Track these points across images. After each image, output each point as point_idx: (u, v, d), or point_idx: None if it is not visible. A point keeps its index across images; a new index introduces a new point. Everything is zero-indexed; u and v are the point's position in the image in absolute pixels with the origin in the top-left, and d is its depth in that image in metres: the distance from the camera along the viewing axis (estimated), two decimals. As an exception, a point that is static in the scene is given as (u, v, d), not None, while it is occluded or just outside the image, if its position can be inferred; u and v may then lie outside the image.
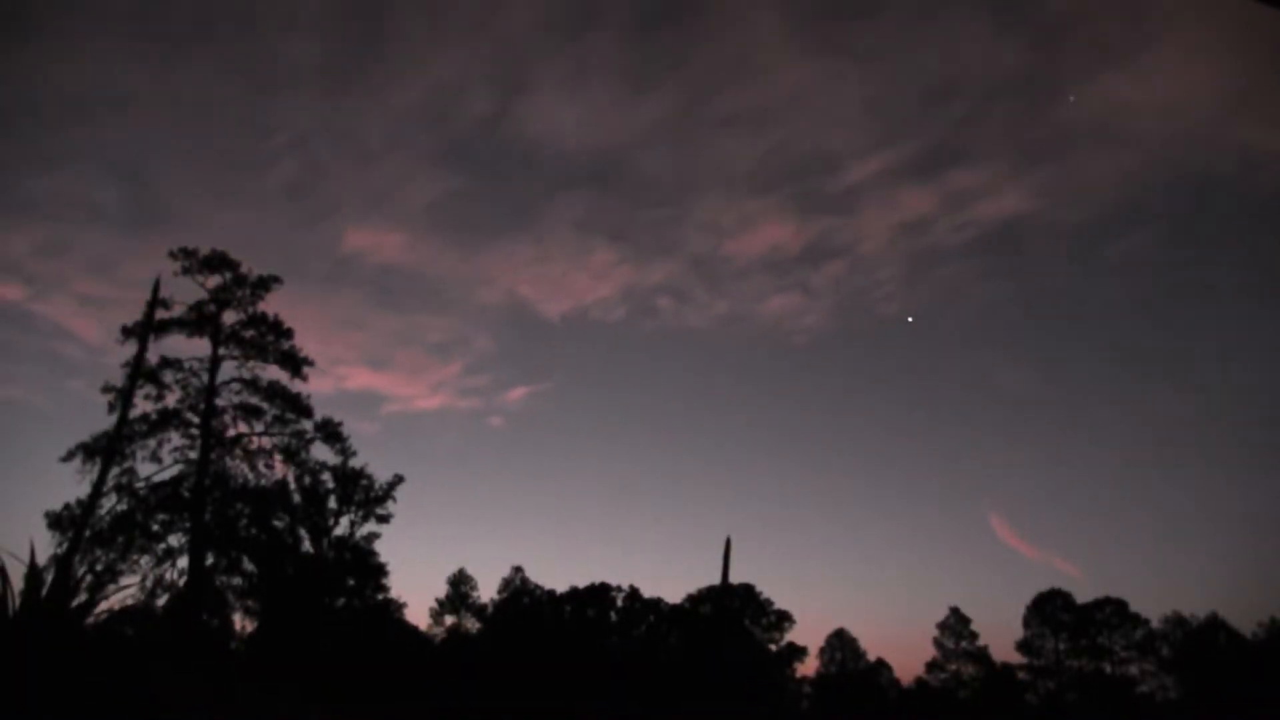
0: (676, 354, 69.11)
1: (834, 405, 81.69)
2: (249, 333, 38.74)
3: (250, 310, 38.90)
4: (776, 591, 79.39)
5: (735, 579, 64.75)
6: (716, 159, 69.01)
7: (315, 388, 61.87)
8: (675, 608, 67.52)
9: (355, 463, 41.94)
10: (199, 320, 37.93)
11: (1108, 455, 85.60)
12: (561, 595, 67.29)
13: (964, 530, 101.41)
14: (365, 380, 71.35)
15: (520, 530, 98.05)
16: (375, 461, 63.91)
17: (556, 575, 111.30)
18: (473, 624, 65.99)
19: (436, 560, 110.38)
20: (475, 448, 77.76)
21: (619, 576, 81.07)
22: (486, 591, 68.24)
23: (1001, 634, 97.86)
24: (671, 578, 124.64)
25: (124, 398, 35.53)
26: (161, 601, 35.31)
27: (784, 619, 68.82)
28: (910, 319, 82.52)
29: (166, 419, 36.94)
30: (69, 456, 35.47)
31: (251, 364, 38.70)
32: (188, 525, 36.49)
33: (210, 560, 37.74)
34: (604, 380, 74.66)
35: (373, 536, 43.43)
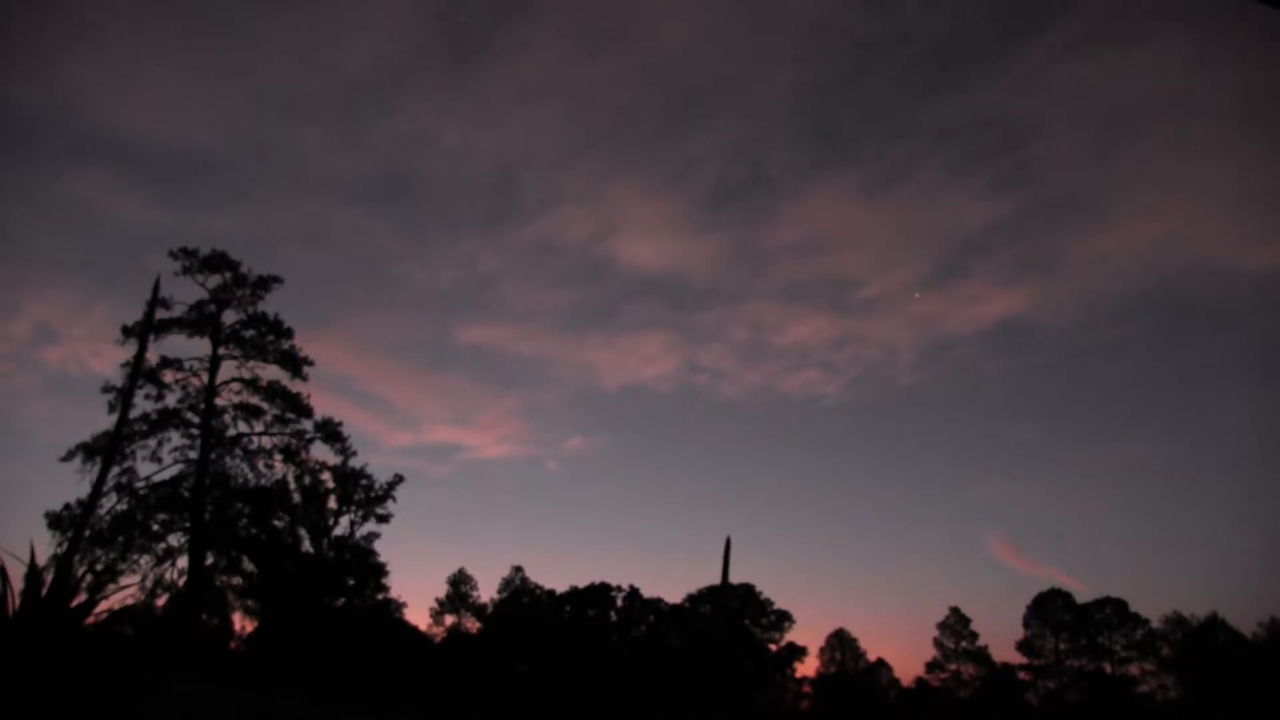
0: (711, 414, 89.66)
1: (844, 437, 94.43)
2: (249, 332, 38.74)
3: (250, 310, 38.92)
4: (776, 591, 79.85)
5: (735, 579, 64.65)
6: (766, 276, 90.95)
7: (397, 440, 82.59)
8: (675, 608, 67.49)
9: (354, 463, 41.96)
10: (199, 320, 37.92)
11: (1101, 479, 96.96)
12: (561, 595, 67.28)
13: (965, 530, 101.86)
14: (444, 435, 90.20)
15: (522, 531, 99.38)
16: (441, 493, 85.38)
17: (556, 575, 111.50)
18: (473, 624, 65.98)
19: (437, 561, 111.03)
20: (529, 484, 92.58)
21: (619, 576, 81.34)
22: (486, 591, 68.39)
23: (1001, 634, 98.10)
24: (671, 578, 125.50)
25: (124, 398, 35.50)
26: (161, 601, 35.32)
27: (784, 619, 68.79)
28: (917, 295, 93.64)
29: (166, 419, 36.93)
30: (69, 456, 35.51)
31: (251, 364, 38.73)
32: (188, 525, 36.46)
33: (210, 560, 37.71)
34: (647, 432, 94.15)
35: (373, 536, 43.42)
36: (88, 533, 33.62)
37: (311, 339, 75.45)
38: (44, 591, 7.61)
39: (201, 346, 38.15)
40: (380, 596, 46.09)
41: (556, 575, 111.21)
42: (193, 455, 37.19)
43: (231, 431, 38.46)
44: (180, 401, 37.33)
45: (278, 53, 79.46)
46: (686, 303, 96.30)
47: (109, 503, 35.51)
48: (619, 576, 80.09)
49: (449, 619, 66.03)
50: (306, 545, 42.01)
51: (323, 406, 68.99)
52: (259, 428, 38.80)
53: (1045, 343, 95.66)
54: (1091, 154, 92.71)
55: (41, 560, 7.64)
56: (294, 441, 39.46)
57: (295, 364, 39.03)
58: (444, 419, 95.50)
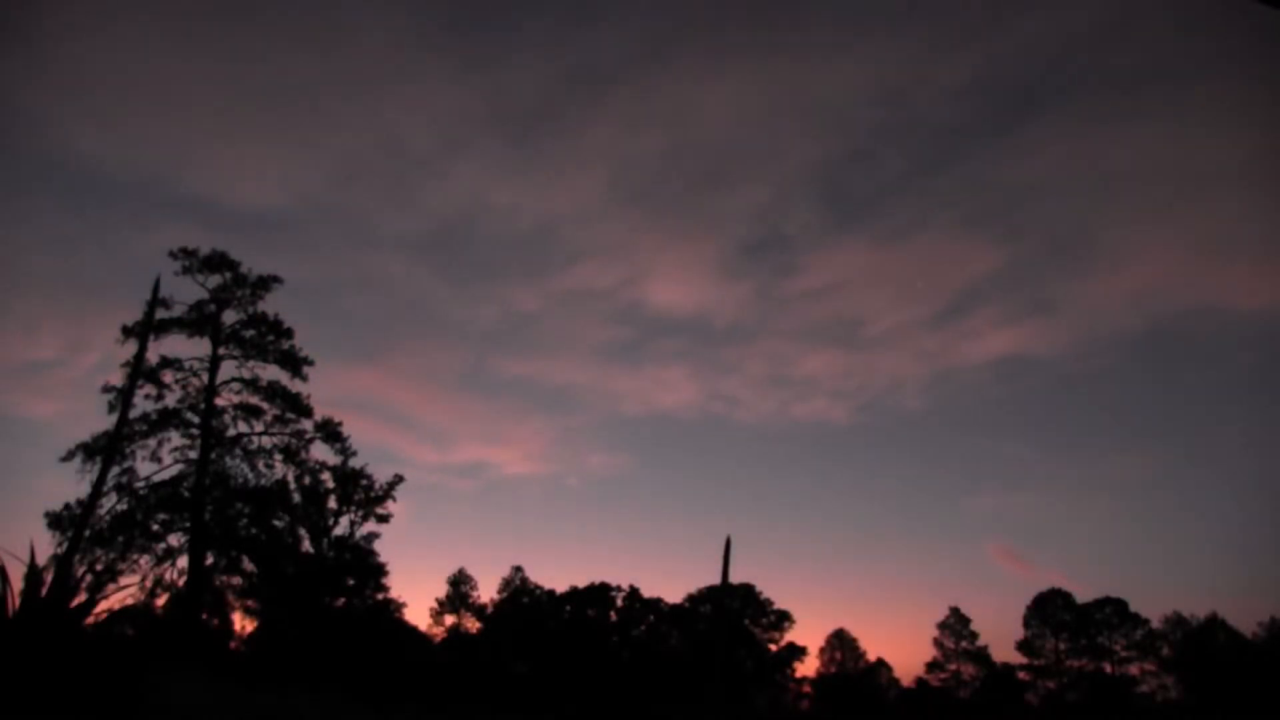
0: (726, 434, 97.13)
1: (849, 450, 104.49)
2: (249, 332, 38.72)
3: (250, 310, 38.88)
4: (776, 591, 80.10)
5: (735, 579, 64.69)
6: (783, 317, 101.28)
7: (429, 457, 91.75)
8: (675, 608, 67.50)
9: (354, 462, 41.95)
10: (199, 320, 37.89)
11: (1100, 482, 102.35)
12: (561, 595, 67.30)
13: (965, 531, 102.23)
14: (474, 453, 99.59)
15: (521, 530, 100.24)
16: (467, 507, 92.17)
17: (556, 575, 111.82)
18: (473, 624, 66.01)
19: (437, 561, 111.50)
20: (549, 496, 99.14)
21: (619, 576, 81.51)
22: (486, 591, 68.42)
23: (1001, 634, 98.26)
24: (671, 577, 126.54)
25: (124, 398, 35.48)
26: (161, 601, 35.31)
27: (784, 619, 68.80)
28: (920, 285, 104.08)
29: (166, 419, 36.91)
30: (69, 456, 35.49)
31: (251, 364, 38.69)
32: (188, 525, 36.45)
33: (210, 560, 37.70)
34: (666, 450, 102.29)
35: (372, 536, 43.42)
36: (88, 533, 33.61)
37: (360, 370, 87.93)
38: (44, 591, 7.60)
39: (201, 346, 38.17)
40: (380, 596, 46.11)
41: (557, 575, 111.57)
42: (193, 455, 37.18)
43: (231, 431, 38.47)
44: (180, 401, 37.34)
45: (345, 125, 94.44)
46: (709, 341, 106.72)
47: (109, 503, 35.52)
48: (619, 576, 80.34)
49: (449, 619, 66.09)
50: (306, 545, 42.01)
51: (363, 428, 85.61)
52: (259, 428, 38.81)
53: (1043, 371, 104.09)
54: (1084, 213, 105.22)
55: (41, 560, 7.64)
56: (294, 441, 39.47)
57: (295, 364, 39.01)
58: (475, 439, 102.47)
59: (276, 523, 39.96)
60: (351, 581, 43.76)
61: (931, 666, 68.94)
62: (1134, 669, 64.57)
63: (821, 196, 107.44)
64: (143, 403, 36.61)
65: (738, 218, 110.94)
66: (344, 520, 43.02)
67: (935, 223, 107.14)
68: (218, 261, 38.34)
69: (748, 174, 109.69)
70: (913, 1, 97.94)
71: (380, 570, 44.38)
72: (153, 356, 37.08)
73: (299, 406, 39.05)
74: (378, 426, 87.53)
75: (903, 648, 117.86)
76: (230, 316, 38.62)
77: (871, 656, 71.17)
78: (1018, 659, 67.25)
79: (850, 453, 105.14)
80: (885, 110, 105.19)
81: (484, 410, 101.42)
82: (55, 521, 34.62)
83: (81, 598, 8.00)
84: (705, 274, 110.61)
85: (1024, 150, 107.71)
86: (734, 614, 66.10)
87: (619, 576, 78.91)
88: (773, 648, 68.10)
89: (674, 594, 69.65)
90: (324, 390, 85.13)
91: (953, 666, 68.60)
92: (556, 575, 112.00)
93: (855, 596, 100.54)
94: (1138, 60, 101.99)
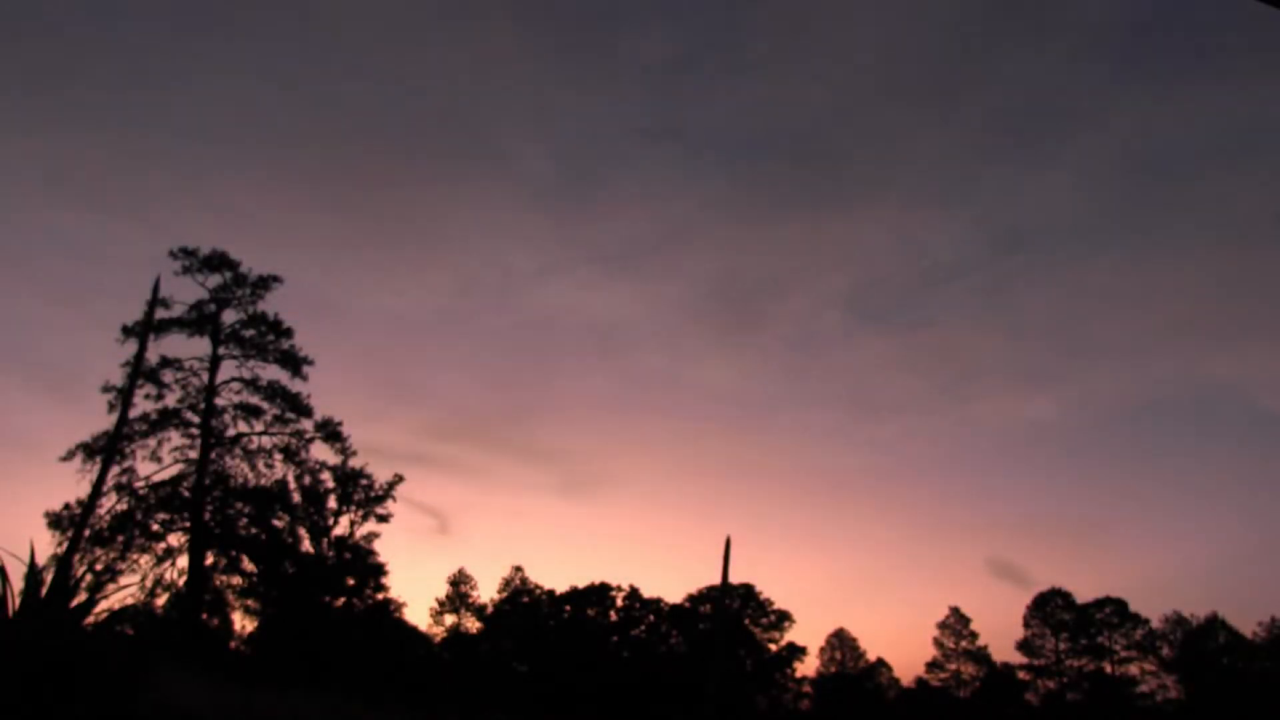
0: (747, 462, 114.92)
1: (857, 473, 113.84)
2: (249, 332, 38.72)
3: (250, 310, 38.89)
4: (776, 591, 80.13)
5: (735, 579, 64.72)
6: (804, 394, 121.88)
7: (487, 484, 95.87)
8: (675, 608, 67.49)
9: (356, 463, 41.92)
10: (199, 320, 37.90)
11: (1099, 489, 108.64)
12: (561, 595, 67.31)
13: (966, 533, 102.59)
14: (527, 482, 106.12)
15: (521, 530, 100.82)
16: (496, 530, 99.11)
17: (556, 575, 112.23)
18: (473, 624, 66.02)
19: (437, 560, 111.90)
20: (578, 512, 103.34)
21: (619, 576, 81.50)
22: (486, 591, 68.43)
23: (1001, 634, 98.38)
24: (671, 577, 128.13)
25: (124, 397, 35.49)
26: (161, 601, 35.30)
27: (784, 619, 68.78)
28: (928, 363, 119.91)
29: (166, 418, 36.91)
30: (69, 456, 35.46)
31: (251, 363, 38.69)
32: (188, 525, 36.45)
33: (210, 560, 37.70)
34: (690, 474, 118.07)
35: (372, 536, 43.38)
36: (88, 533, 33.61)
37: (449, 438, 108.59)
38: (44, 591, 7.60)
39: (201, 346, 38.18)
40: (380, 596, 46.08)
41: (557, 575, 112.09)
42: (193, 455, 37.19)
43: (231, 431, 38.47)
44: (180, 401, 37.36)
45: (464, 253, 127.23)
46: (745, 405, 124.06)
47: (109, 502, 35.51)
48: (619, 576, 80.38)
49: (449, 619, 66.12)
50: (306, 545, 41.98)
51: (443, 466, 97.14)
52: (259, 427, 38.81)
53: (1043, 426, 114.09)
54: (1072, 314, 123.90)
55: (41, 560, 7.64)
56: (294, 441, 39.46)
57: (295, 364, 39.00)
58: (529, 472, 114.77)
59: (276, 523, 39.93)
60: (351, 581, 43.74)
61: (931, 666, 68.99)
62: (1134, 669, 64.62)
63: (845, 309, 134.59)
64: (143, 402, 36.66)
65: (775, 323, 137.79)
66: (344, 520, 43.02)
67: (941, 320, 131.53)
68: (218, 261, 38.35)
69: (788, 294, 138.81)
70: (923, 169, 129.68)
71: (380, 570, 44.35)
72: (153, 356, 37.12)
73: (299, 406, 39.04)
74: (456, 465, 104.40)
75: (903, 648, 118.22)
76: (230, 316, 38.69)
77: (871, 656, 71.26)
78: (1018, 659, 67.34)
79: (860, 477, 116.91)
80: (900, 248, 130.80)
81: (545, 451, 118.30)
82: (55, 521, 34.63)
83: (81, 598, 7.99)
84: (745, 359, 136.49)
85: (1013, 275, 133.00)
86: (734, 614, 66.10)
87: (619, 576, 78.94)
88: (773, 648, 68.07)
89: (674, 594, 69.66)
90: (415, 444, 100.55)
91: (953, 666, 68.62)
92: (557, 575, 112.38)
93: (855, 596, 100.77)
94: (1107, 210, 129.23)
